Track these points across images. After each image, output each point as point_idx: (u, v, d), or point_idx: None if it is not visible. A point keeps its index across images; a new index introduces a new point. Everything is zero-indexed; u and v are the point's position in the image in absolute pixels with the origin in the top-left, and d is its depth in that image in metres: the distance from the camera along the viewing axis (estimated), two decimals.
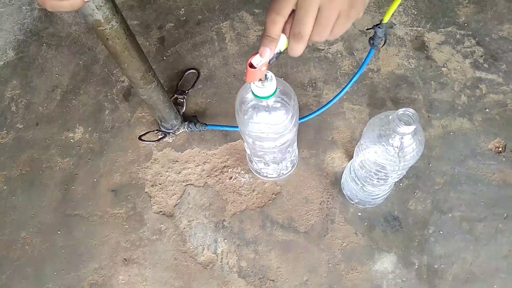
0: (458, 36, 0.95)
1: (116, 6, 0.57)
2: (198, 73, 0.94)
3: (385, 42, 0.67)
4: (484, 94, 0.89)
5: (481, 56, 0.92)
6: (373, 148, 0.60)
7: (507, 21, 0.96)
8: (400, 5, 0.98)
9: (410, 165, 0.62)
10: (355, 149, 0.68)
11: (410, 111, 0.53)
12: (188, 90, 0.92)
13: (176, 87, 0.92)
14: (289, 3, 0.41)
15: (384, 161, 0.60)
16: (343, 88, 0.76)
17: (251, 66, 0.47)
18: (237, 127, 0.83)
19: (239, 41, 0.97)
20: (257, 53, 0.46)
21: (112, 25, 0.57)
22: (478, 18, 0.96)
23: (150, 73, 0.71)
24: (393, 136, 0.56)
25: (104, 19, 0.55)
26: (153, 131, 0.88)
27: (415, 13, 0.97)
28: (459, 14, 0.97)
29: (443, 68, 0.91)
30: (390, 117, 0.54)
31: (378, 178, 0.66)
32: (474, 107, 0.88)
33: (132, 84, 0.73)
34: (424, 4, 0.98)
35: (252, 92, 0.57)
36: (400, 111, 0.53)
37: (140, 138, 0.87)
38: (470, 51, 0.93)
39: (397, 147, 0.57)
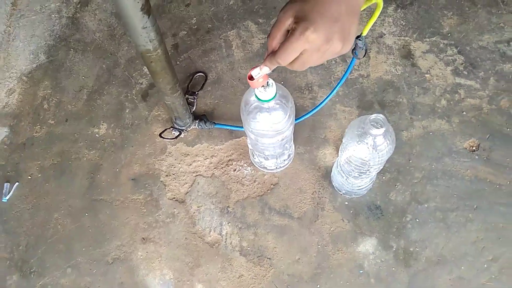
0: (441, 45, 1.05)
1: (162, 39, 0.70)
2: (206, 76, 1.06)
3: (365, 52, 0.78)
4: (462, 99, 0.99)
5: (462, 64, 1.03)
6: (353, 146, 0.71)
7: (487, 32, 1.06)
8: (389, 16, 1.08)
9: (384, 160, 0.73)
10: (340, 147, 0.79)
11: (380, 116, 0.64)
12: (198, 91, 1.04)
13: (187, 88, 1.04)
14: (281, 28, 0.53)
15: (362, 157, 0.72)
16: (328, 95, 0.88)
17: (251, 78, 0.59)
18: (241, 127, 0.95)
19: (244, 48, 1.08)
20: (257, 66, 0.58)
21: (157, 52, 0.71)
22: (461, 29, 1.06)
23: (176, 85, 0.84)
24: (367, 136, 0.68)
25: (153, 48, 0.69)
26: (169, 128, 1.00)
27: (404, 23, 1.08)
28: (444, 25, 1.07)
29: (426, 75, 1.02)
30: (365, 121, 0.66)
31: (358, 172, 0.77)
32: (453, 110, 0.98)
33: (160, 92, 0.86)
34: (412, 16, 1.09)
35: (255, 96, 0.68)
36: (372, 116, 0.65)
37: (160, 135, 0.99)
38: (451, 59, 1.03)
39: (371, 145, 0.69)
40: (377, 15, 0.60)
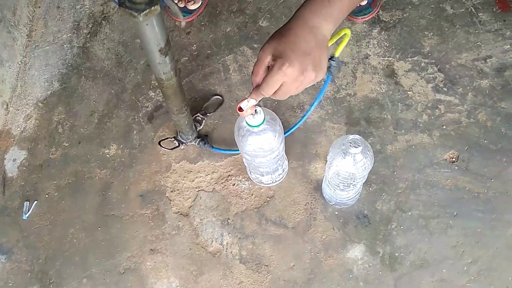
0: (422, 64, 1.13)
1: (177, 72, 0.84)
2: (223, 99, 1.14)
3: (339, 71, 0.86)
4: (443, 114, 1.07)
5: (442, 81, 1.11)
6: (336, 162, 0.80)
7: (465, 50, 1.14)
8: (374, 38, 1.17)
9: (365, 174, 0.82)
10: (326, 163, 0.88)
11: (357, 137, 0.73)
12: (210, 112, 1.12)
13: (201, 108, 1.12)
14: (262, 65, 0.62)
15: (345, 171, 0.80)
16: (311, 106, 0.96)
17: (240, 109, 0.68)
18: (235, 150, 1.04)
19: (241, 71, 1.18)
20: (245, 99, 0.67)
21: (172, 81, 0.83)
22: (441, 48, 1.15)
23: (183, 108, 0.94)
24: (348, 154, 0.76)
25: (166, 79, 0.82)
26: (171, 138, 1.09)
27: (387, 45, 1.17)
28: (424, 45, 1.16)
29: (408, 92, 1.10)
30: (344, 141, 0.74)
31: (343, 185, 0.85)
32: (434, 125, 1.06)
33: (169, 112, 0.97)
34: (395, 37, 1.17)
35: (246, 122, 0.78)
36: (350, 137, 0.73)
37: (159, 143, 1.08)
38: (432, 77, 1.11)
39: (352, 161, 0.77)
40: (347, 41, 0.70)
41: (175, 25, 1.25)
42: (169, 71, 0.80)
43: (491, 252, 0.93)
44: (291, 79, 0.60)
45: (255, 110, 0.75)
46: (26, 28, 1.31)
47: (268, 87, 0.61)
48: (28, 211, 1.07)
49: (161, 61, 0.77)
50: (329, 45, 0.67)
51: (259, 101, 0.66)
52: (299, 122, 1.02)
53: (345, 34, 0.69)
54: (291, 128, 1.03)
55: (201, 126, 1.11)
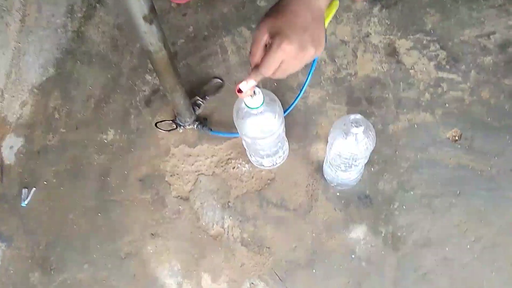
0: (424, 41, 1.11)
1: (167, 42, 0.79)
2: (223, 82, 1.12)
3: (325, 41, 0.85)
4: (445, 92, 1.05)
5: (444, 58, 1.09)
6: (337, 142, 0.78)
7: (467, 27, 1.11)
8: (375, 16, 1.15)
9: (367, 154, 0.80)
10: (327, 144, 0.86)
11: (359, 116, 0.71)
12: (209, 95, 1.10)
13: (200, 91, 1.10)
14: (259, 45, 0.60)
15: (347, 152, 0.79)
16: (304, 83, 0.98)
17: (239, 91, 0.66)
18: (234, 133, 1.02)
19: (239, 53, 1.15)
20: (243, 80, 0.65)
21: (162, 54, 0.79)
22: (443, 25, 1.12)
23: (178, 86, 0.92)
24: (349, 134, 0.75)
25: (154, 51, 0.78)
26: (168, 120, 1.07)
27: (388, 23, 1.14)
28: (427, 22, 1.13)
29: (410, 70, 1.08)
30: (346, 121, 0.73)
31: (345, 165, 0.84)
32: (436, 103, 1.05)
33: (164, 91, 0.94)
34: (396, 15, 1.15)
35: (245, 104, 0.76)
36: (352, 116, 0.72)
37: (156, 125, 1.06)
38: (434, 55, 1.09)
39: (354, 141, 0.76)
40: (334, 11, 0.68)
41: (171, 6, 1.22)
42: (156, 41, 0.76)
43: (494, 230, 0.92)
44: (290, 57, 0.59)
45: (254, 91, 0.73)
46: (19, 13, 1.28)
47: (267, 66, 0.59)
48: (27, 198, 1.06)
49: (147, 30, 0.73)
50: (326, 23, 0.65)
51: (258, 82, 0.65)
52: (295, 100, 1.01)
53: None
54: (289, 107, 1.02)
55: (200, 110, 1.09)
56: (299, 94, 1.01)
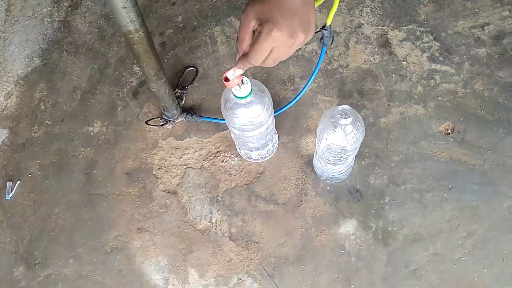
0: (417, 33, 1.09)
1: (144, 20, 0.75)
2: (197, 70, 1.11)
3: (332, 40, 0.83)
4: (438, 84, 1.03)
5: (437, 50, 1.07)
6: (326, 135, 0.76)
7: (461, 18, 1.09)
8: (367, 7, 1.12)
9: (357, 146, 0.78)
10: (317, 137, 0.84)
11: (347, 107, 0.69)
12: (187, 86, 1.09)
13: (177, 83, 1.09)
14: (247, 31, 0.57)
15: (336, 144, 0.77)
16: (307, 83, 0.93)
17: (226, 79, 0.64)
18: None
19: (229, 43, 1.13)
20: (230, 68, 0.63)
21: (139, 34, 0.75)
22: (436, 16, 1.10)
23: (161, 72, 0.89)
24: (337, 126, 0.72)
25: (134, 30, 0.73)
26: (157, 118, 1.05)
27: (381, 13, 1.12)
28: (420, 12, 1.11)
29: (403, 62, 1.06)
30: (334, 112, 0.71)
31: (334, 158, 0.82)
32: (428, 95, 1.03)
33: (146, 79, 0.91)
34: (389, 5, 1.12)
35: (233, 93, 0.74)
36: (340, 107, 0.69)
37: (146, 122, 1.04)
38: (427, 46, 1.07)
39: (342, 133, 0.74)
40: (337, 4, 0.65)
41: None
42: (136, 18, 0.72)
43: (486, 225, 0.91)
44: (280, 44, 0.56)
45: (242, 80, 0.71)
46: (4, 2, 1.25)
47: (257, 55, 0.57)
48: (11, 191, 1.03)
49: (126, 5, 0.68)
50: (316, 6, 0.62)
51: (246, 71, 0.62)
52: (294, 99, 0.98)
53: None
54: (286, 106, 0.99)
55: (183, 101, 1.07)
56: (302, 91, 0.98)
